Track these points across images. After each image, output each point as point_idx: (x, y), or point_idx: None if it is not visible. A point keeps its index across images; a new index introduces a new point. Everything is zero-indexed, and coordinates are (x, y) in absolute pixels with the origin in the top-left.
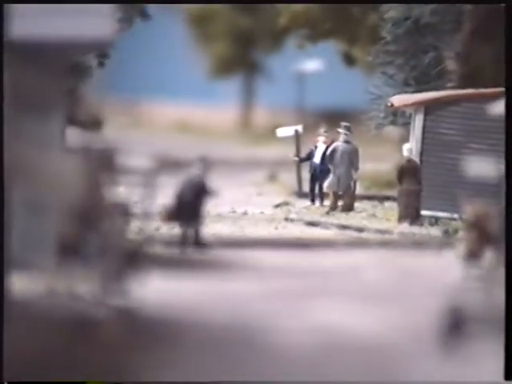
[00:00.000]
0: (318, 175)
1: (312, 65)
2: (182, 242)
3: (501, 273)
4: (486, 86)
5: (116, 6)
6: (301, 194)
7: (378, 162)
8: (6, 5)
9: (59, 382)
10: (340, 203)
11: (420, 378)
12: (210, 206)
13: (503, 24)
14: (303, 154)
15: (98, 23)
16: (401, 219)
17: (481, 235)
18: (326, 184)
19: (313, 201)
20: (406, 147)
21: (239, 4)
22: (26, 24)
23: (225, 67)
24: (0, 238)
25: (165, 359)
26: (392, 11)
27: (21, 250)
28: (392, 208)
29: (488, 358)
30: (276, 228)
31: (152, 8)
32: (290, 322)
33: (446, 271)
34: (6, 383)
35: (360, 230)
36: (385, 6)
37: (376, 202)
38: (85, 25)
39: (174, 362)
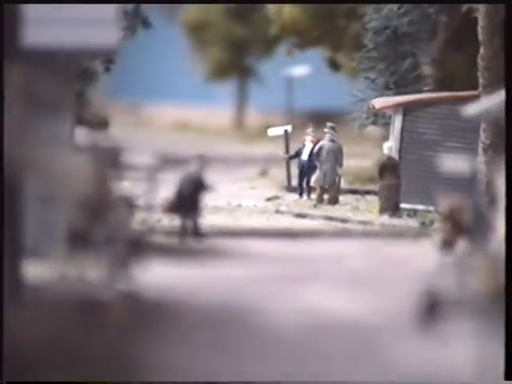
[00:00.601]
0: (305, 171)
1: (300, 70)
2: (182, 232)
3: (473, 260)
4: (459, 89)
5: (120, 15)
6: (290, 189)
7: (360, 159)
8: (14, 8)
9: (59, 382)
10: (326, 197)
11: (399, 355)
12: (207, 199)
13: (474, 32)
14: (292, 152)
15: (104, 32)
16: (382, 211)
17: (455, 226)
18: (313, 179)
19: (301, 194)
20: (386, 145)
21: (234, 14)
22: (39, 33)
23: (220, 72)
24: (15, 229)
25: (165, 338)
26: (373, 21)
27: (35, 240)
28: (374, 201)
29: (460, 336)
30: (267, 219)
31: (153, 18)
32: (280, 304)
33: (422, 259)
34: (5, 383)
35: (344, 221)
36: (367, 17)
37: (359, 196)
38: (92, 33)
39: (174, 341)
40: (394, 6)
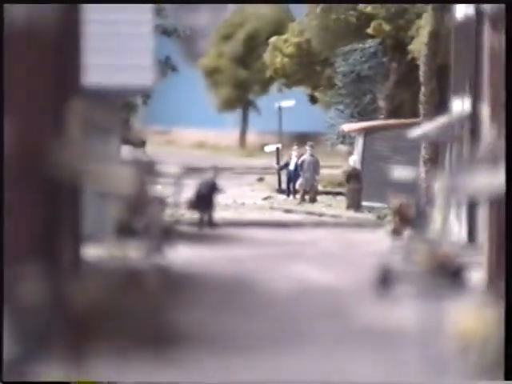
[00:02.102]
0: (292, 178)
1: (288, 103)
2: (200, 223)
3: (415, 244)
4: (405, 117)
5: (155, 63)
6: (280, 191)
7: (332, 169)
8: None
9: (56, 382)
10: (307, 197)
11: (361, 312)
12: (219, 199)
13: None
14: (282, 164)
15: (142, 75)
16: (348, 208)
17: (402, 219)
18: (297, 183)
19: (288, 195)
20: (351, 159)
21: (238, 61)
22: (96, 75)
23: (228, 105)
24: (78, 220)
25: (188, 301)
26: (342, 67)
27: (93, 229)
28: (342, 200)
29: (405, 300)
30: (264, 214)
31: (179, 64)
32: (274, 275)
33: (378, 242)
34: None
35: (320, 215)
36: (337, 63)
37: (331, 196)
38: (134, 76)
39: (194, 302)
40: (358, 56)
